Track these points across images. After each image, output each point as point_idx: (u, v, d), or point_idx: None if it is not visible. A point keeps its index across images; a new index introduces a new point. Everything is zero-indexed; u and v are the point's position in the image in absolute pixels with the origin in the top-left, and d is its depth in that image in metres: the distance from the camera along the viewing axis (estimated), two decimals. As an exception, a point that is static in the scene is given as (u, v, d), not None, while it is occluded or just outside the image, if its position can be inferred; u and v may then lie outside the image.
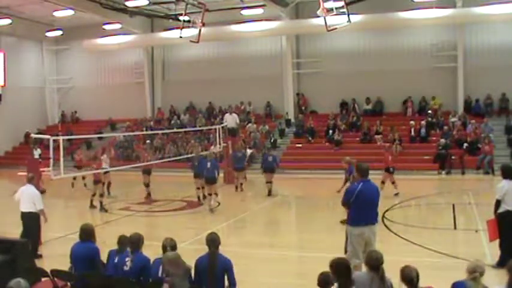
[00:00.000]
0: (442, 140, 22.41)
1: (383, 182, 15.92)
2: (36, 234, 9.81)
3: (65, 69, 33.03)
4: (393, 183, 16.32)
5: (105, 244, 6.78)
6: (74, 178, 19.15)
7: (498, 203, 8.41)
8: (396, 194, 16.07)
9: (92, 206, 15.67)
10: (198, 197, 16.43)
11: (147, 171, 17.48)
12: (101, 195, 15.68)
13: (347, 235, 7.31)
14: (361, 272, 5.18)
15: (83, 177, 19.41)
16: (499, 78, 24.09)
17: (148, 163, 17.82)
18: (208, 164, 15.19)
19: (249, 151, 23.54)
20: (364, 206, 7.14)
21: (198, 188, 16.40)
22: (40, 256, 9.51)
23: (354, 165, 12.59)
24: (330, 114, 26.45)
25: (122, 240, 6.27)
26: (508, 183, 8.37)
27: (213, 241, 5.84)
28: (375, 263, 5.00)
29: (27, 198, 9.78)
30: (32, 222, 9.74)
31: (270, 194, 17.46)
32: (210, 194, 15.26)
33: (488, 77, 24.40)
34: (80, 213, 15.69)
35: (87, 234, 6.46)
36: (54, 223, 13.71)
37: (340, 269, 4.93)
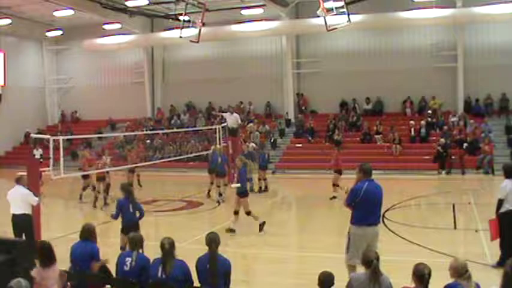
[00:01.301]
0: (442, 140, 22.42)
1: (334, 185, 15.99)
2: (31, 235, 9.67)
3: (65, 69, 33.04)
4: (337, 186, 16.04)
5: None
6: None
7: (500, 203, 8.38)
8: (333, 198, 15.80)
9: (95, 206, 15.81)
10: (209, 192, 17.06)
11: (131, 170, 17.73)
12: (105, 191, 16.17)
13: (349, 235, 7.27)
14: (360, 272, 5.19)
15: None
16: (499, 78, 24.10)
17: (135, 165, 17.75)
18: (219, 159, 16.67)
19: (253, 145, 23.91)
20: (369, 205, 7.00)
21: (212, 183, 17.03)
22: None
23: (247, 166, 12.05)
24: (329, 114, 26.46)
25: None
26: (511, 182, 8.34)
27: (213, 240, 5.83)
28: (369, 262, 5.01)
29: (20, 199, 9.47)
30: (25, 224, 9.47)
31: (262, 190, 18.08)
32: (218, 186, 16.48)
33: (488, 77, 24.40)
34: (80, 213, 15.70)
35: (87, 233, 6.48)
36: (54, 223, 13.73)
37: (326, 281, 5.08)
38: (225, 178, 16.93)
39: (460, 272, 4.85)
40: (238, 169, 11.93)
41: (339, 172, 16.12)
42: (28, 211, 9.45)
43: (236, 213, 11.66)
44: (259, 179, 18.38)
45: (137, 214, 9.08)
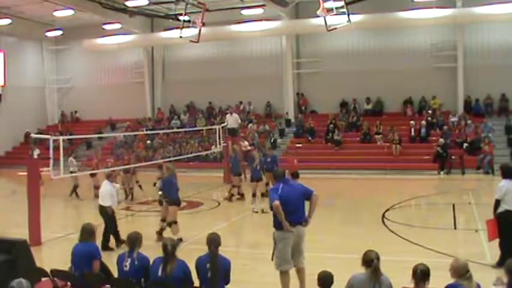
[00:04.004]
0: (441, 140, 22.40)
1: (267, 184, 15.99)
2: (107, 224, 10.41)
3: (65, 69, 33.05)
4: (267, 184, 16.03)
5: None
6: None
7: (497, 203, 8.41)
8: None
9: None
10: (238, 193, 16.99)
11: (127, 171, 16.97)
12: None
13: (275, 241, 7.17)
14: (360, 272, 5.18)
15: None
16: (499, 78, 24.10)
17: (132, 165, 17.38)
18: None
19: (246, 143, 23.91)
20: (289, 206, 7.01)
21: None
22: (112, 249, 10.06)
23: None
24: (329, 114, 26.46)
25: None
26: (508, 183, 8.36)
27: (213, 241, 5.84)
28: (370, 261, 5.00)
29: (103, 192, 10.57)
30: (103, 216, 10.44)
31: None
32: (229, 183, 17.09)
33: (488, 77, 24.40)
34: (80, 213, 15.71)
35: (87, 233, 6.47)
36: (54, 223, 13.74)
37: (326, 281, 5.08)
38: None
39: (461, 272, 4.84)
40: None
41: (295, 175, 15.68)
42: (107, 204, 10.42)
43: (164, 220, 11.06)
44: (266, 184, 16.61)
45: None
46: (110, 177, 10.89)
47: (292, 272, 7.26)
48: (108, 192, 10.52)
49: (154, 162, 19.74)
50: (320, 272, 5.32)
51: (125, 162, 18.29)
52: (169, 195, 10.87)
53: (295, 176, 15.27)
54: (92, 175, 17.05)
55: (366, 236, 11.04)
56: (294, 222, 7.05)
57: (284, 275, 7.10)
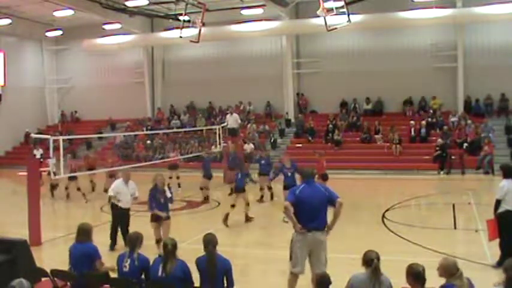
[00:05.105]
0: (440, 140, 22.39)
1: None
2: (113, 224, 10.55)
3: (65, 69, 33.06)
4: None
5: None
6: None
7: (498, 203, 8.41)
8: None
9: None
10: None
11: (110, 175, 16.36)
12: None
13: (292, 242, 6.96)
14: (360, 272, 5.18)
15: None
16: (499, 78, 24.10)
17: (112, 168, 16.82)
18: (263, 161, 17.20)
19: (252, 146, 24.08)
20: (306, 209, 6.68)
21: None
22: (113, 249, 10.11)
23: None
24: (329, 114, 26.46)
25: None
26: (509, 182, 8.36)
27: (210, 241, 5.85)
28: (370, 261, 5.00)
29: None
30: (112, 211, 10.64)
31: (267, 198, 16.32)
32: (262, 189, 16.51)
33: (488, 77, 24.39)
34: (80, 213, 15.69)
35: (84, 234, 6.42)
36: (54, 223, 13.75)
37: (323, 281, 5.06)
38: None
39: (452, 271, 4.80)
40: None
41: (324, 177, 15.56)
42: (111, 193, 10.51)
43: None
44: (260, 189, 16.31)
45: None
46: (123, 176, 10.78)
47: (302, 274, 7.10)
48: (115, 185, 10.54)
49: (154, 162, 19.80)
50: (317, 273, 5.32)
51: (108, 165, 17.92)
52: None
53: (325, 178, 15.02)
54: (72, 178, 16.66)
55: (366, 236, 11.05)
56: (310, 227, 6.69)
57: (292, 276, 6.91)
